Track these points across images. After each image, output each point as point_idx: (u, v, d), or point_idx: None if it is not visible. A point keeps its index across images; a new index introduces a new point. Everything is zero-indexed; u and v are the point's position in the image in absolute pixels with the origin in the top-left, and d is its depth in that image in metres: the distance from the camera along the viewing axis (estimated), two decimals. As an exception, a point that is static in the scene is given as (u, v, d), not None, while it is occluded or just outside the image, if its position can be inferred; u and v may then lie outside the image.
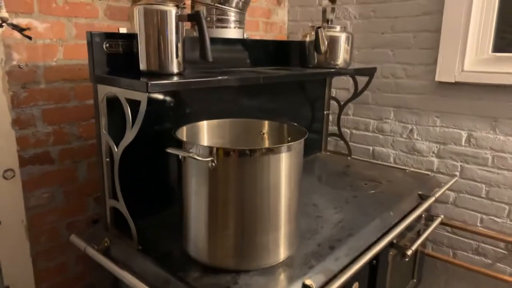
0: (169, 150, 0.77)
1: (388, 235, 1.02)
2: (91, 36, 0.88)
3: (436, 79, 1.56)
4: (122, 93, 0.83)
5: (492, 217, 1.54)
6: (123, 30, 1.31)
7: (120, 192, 0.92)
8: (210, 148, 0.76)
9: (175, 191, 1.15)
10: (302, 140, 0.82)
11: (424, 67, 1.61)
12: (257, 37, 1.83)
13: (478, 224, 1.58)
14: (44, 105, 1.18)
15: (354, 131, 1.86)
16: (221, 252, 0.83)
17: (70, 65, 1.22)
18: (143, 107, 0.79)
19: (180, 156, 0.80)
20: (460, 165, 1.59)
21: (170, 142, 0.82)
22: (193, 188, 0.81)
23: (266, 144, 1.02)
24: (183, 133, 0.92)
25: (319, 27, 1.26)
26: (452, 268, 1.68)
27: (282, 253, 0.86)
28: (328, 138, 1.77)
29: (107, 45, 0.91)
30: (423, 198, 1.29)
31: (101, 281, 0.90)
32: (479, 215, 1.58)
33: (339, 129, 1.69)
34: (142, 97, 0.78)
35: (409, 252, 1.11)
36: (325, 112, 1.72)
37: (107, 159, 0.95)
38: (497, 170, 1.50)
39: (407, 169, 1.54)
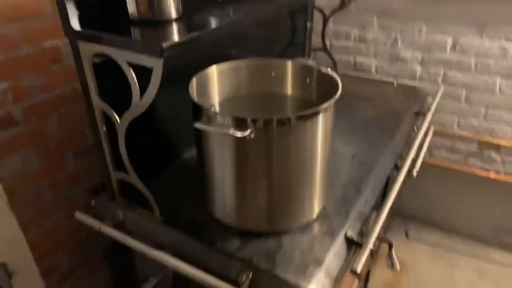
0: (198, 126, 0.65)
1: (403, 167, 1.02)
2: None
3: (427, -19, 1.45)
4: (121, 56, 0.65)
5: (469, 119, 1.63)
6: None
7: (130, 165, 0.80)
8: (246, 120, 0.64)
9: (175, 148, 1.04)
10: (339, 92, 0.73)
11: (414, -33, 1.47)
12: None
13: (455, 126, 1.67)
14: (-9, 58, 0.94)
15: (334, 42, 1.75)
16: (257, 217, 0.78)
17: (11, -2, 0.94)
18: (157, 76, 0.63)
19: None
20: (443, 73, 1.59)
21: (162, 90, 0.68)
22: (223, 158, 0.72)
23: (286, 89, 0.91)
24: (193, 87, 0.78)
25: None
26: (427, 167, 1.82)
27: (317, 207, 0.83)
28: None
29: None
30: (419, 114, 1.30)
31: (94, 237, 0.85)
32: (456, 117, 1.65)
33: (323, 43, 1.57)
34: (154, 63, 0.62)
35: (415, 172, 1.14)
36: (308, 24, 1.57)
37: (105, 128, 0.80)
38: (479, 75, 1.53)
39: (394, 83, 1.52)
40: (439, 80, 1.61)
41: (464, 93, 1.59)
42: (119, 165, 0.83)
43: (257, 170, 0.72)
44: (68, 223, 1.24)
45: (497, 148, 1.61)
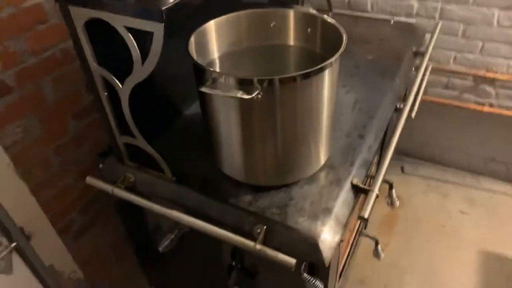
0: (204, 90, 0.64)
1: (404, 110, 1.04)
2: None
3: None
4: (118, 21, 0.62)
5: (465, 54, 1.62)
6: None
7: (136, 129, 0.80)
8: (252, 81, 0.64)
9: (177, 104, 1.04)
10: (344, 45, 0.72)
11: None
12: None
13: (451, 62, 1.66)
14: (-26, 25, 0.89)
15: (328, -22, 1.66)
16: (267, 172, 0.81)
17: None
18: (158, 41, 0.61)
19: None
20: (440, 7, 1.55)
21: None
22: (229, 118, 0.72)
23: (288, 39, 0.89)
24: (192, 46, 0.76)
25: None
26: (422, 104, 1.84)
27: (323, 158, 0.86)
28: (304, -8, 1.58)
29: None
30: (417, 54, 1.29)
31: (104, 194, 0.88)
32: (452, 53, 1.64)
33: (317, -19, 1.49)
34: (155, 28, 0.60)
35: (414, 113, 1.16)
36: (300, -38, 1.48)
37: (106, 93, 0.78)
38: (477, 7, 1.49)
39: (391, 20, 1.48)
40: (436, 15, 1.57)
41: (461, 27, 1.56)
42: (124, 128, 0.83)
43: (264, 128, 0.72)
44: (77, 184, 1.26)
45: (492, 81, 1.62)
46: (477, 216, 1.73)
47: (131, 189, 0.89)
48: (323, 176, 0.85)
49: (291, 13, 0.87)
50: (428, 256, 1.61)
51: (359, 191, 0.84)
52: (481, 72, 1.62)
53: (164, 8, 0.57)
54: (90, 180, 0.90)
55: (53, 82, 1.11)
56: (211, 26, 0.80)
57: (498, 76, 1.59)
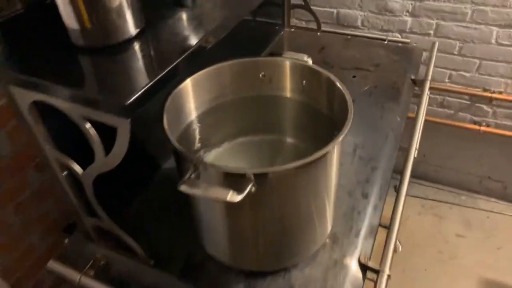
0: (185, 190, 0.51)
1: (410, 156, 0.94)
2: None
3: None
4: (73, 110, 0.49)
5: (462, 72, 1.53)
6: None
7: (103, 213, 0.67)
8: (245, 175, 0.51)
9: (150, 164, 0.90)
10: (351, 119, 0.60)
11: None
12: None
13: (446, 80, 1.57)
14: None
15: (314, -7, 1.54)
16: (261, 257, 0.69)
17: None
18: (124, 136, 0.48)
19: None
20: (436, 23, 1.45)
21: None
22: (216, 213, 0.60)
23: (280, 90, 0.76)
24: (167, 111, 0.62)
25: None
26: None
27: (326, 232, 0.74)
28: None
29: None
30: (417, 83, 1.19)
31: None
32: (448, 71, 1.55)
33: (304, -1, 1.37)
34: (119, 123, 0.46)
35: (416, 152, 1.06)
36: (285, -21, 1.35)
37: (65, 173, 0.65)
38: (475, 25, 1.40)
39: (384, 39, 1.37)
40: (431, 32, 1.47)
41: (457, 45, 1.46)
42: (90, 209, 0.69)
43: (258, 219, 0.60)
44: (42, 243, 1.12)
45: (489, 100, 1.54)
46: (474, 239, 1.67)
47: (103, 275, 0.76)
48: (327, 254, 0.74)
49: (282, 63, 0.74)
50: (426, 286, 1.53)
51: (368, 270, 0.73)
52: (478, 91, 1.54)
53: (129, 102, 0.43)
54: (52, 265, 0.76)
55: (7, 135, 0.96)
56: (187, 85, 0.67)
57: (496, 95, 1.51)
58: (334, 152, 0.58)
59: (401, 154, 0.97)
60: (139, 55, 0.57)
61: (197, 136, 0.71)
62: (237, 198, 0.50)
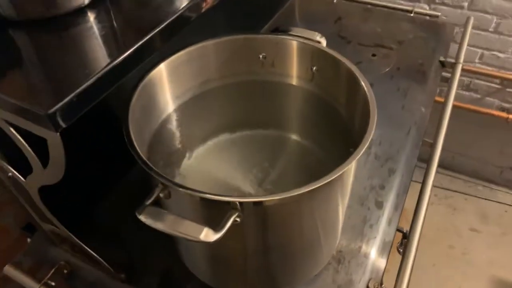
0: (144, 220, 0.38)
1: (434, 159, 0.79)
2: None
3: None
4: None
5: (495, 53, 1.34)
6: None
7: (57, 221, 0.55)
8: (229, 204, 0.38)
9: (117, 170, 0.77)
10: (372, 132, 0.45)
11: None
12: None
13: (476, 61, 1.39)
14: None
15: (333, -47, 1.33)
16: (253, 282, 0.57)
17: None
18: (56, 150, 0.34)
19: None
20: (472, -7, 1.25)
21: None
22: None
23: (285, 77, 0.62)
24: (135, 108, 0.48)
25: None
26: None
27: (331, 251, 0.62)
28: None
29: None
30: (446, 66, 1.02)
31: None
32: (479, 50, 1.36)
33: (321, -40, 1.17)
34: (47, 135, 0.33)
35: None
36: None
37: (10, 174, 0.52)
38: (518, -3, 1.20)
39: (411, 11, 1.18)
40: (465, 4, 1.27)
41: (494, 20, 1.27)
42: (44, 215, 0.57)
43: (246, 248, 0.48)
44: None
45: (523, 85, 1.37)
46: (490, 234, 1.55)
47: (66, 286, 0.65)
48: (329, 278, 0.62)
49: (288, 43, 0.59)
50: (434, 284, 1.43)
51: (377, 299, 0.62)
52: (511, 75, 1.36)
53: (52, 111, 0.30)
54: (8, 271, 0.66)
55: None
56: (161, 71, 0.52)
57: (532, 80, 1.34)
58: (352, 171, 0.44)
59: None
60: (94, 30, 0.43)
61: (177, 134, 0.57)
62: (214, 237, 0.37)
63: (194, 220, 0.41)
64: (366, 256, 0.65)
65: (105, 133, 0.57)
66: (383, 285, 0.63)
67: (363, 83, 0.49)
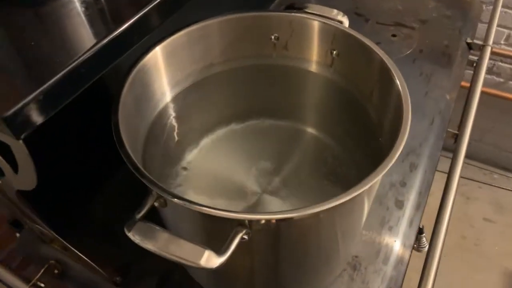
0: (132, 239, 0.32)
1: (459, 155, 0.72)
2: None
3: None
4: None
5: (523, 33, 1.25)
6: None
7: (44, 223, 0.49)
8: (234, 221, 0.32)
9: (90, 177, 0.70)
10: (403, 139, 0.38)
11: None
12: None
13: (502, 42, 1.29)
14: None
15: None
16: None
17: None
18: (22, 159, 0.28)
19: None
20: (502, -34, 1.14)
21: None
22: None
23: (300, 61, 0.54)
24: (126, 99, 0.41)
25: None
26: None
27: (347, 260, 0.56)
28: None
29: None
30: (473, 48, 0.93)
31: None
32: (506, 31, 1.26)
33: None
34: (10, 142, 0.26)
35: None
36: None
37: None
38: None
39: (434, -15, 1.08)
40: (496, -21, 1.16)
41: (525, -3, 1.17)
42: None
43: (253, 264, 0.42)
44: None
45: (551, 70, 1.27)
46: (504, 225, 1.49)
47: (58, 285, 0.60)
48: (345, 287, 0.56)
49: (304, 22, 0.51)
50: (444, 275, 1.38)
51: (396, 310, 0.56)
52: (539, 57, 1.26)
53: (10, 114, 0.23)
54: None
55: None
56: (157, 55, 0.45)
57: (561, 64, 1.24)
58: (377, 184, 0.37)
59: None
60: (75, 5, 0.35)
61: (176, 126, 0.51)
62: (217, 261, 0.31)
63: (194, 233, 0.35)
64: (384, 262, 0.59)
65: (95, 124, 0.50)
66: (402, 294, 0.57)
67: (397, 79, 0.41)
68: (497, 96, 1.40)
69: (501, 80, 1.38)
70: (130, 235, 0.32)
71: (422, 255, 0.71)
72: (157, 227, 0.32)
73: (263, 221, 0.33)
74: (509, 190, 1.59)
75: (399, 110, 0.38)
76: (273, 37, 0.53)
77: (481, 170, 1.65)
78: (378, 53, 0.44)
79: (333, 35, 0.50)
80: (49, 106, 0.26)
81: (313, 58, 0.54)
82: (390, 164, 0.35)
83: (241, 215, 0.32)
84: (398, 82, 0.41)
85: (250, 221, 0.32)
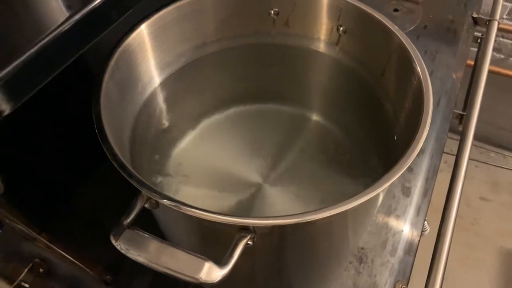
0: (119, 248, 0.28)
1: (467, 138, 0.69)
2: None
3: None
4: None
5: (526, 7, 1.20)
6: None
7: (23, 223, 0.45)
8: (238, 228, 0.28)
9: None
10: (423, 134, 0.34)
11: None
12: None
13: (504, 16, 1.25)
14: None
15: None
16: None
17: None
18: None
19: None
20: None
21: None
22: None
23: (302, 39, 0.49)
24: (109, 85, 0.36)
25: None
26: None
27: (353, 253, 0.53)
28: None
29: None
30: (479, 23, 0.89)
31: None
32: (509, 5, 1.21)
33: None
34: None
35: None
36: None
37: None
38: None
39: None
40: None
41: (531, -31, 1.11)
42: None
43: (255, 269, 0.38)
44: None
45: (554, 45, 1.24)
46: (501, 204, 1.48)
47: (44, 285, 0.56)
48: (350, 280, 0.53)
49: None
50: (441, 254, 1.38)
51: (405, 304, 0.53)
52: (542, 33, 1.22)
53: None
54: (-26, 271, 0.56)
55: None
56: (142, 35, 0.39)
57: None
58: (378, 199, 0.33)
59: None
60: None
61: (165, 113, 0.46)
62: (219, 274, 0.27)
63: (190, 237, 0.31)
64: (391, 253, 0.56)
65: (75, 114, 0.45)
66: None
67: (417, 64, 0.36)
68: (497, 73, 1.36)
69: (502, 56, 1.34)
70: (116, 245, 0.28)
71: (425, 242, 0.68)
72: (147, 235, 0.28)
73: (270, 226, 0.29)
74: (505, 168, 1.58)
75: (417, 98, 0.34)
76: (272, 12, 0.48)
77: (477, 148, 1.63)
78: (395, 31, 0.39)
79: (340, 10, 0.45)
80: (10, 98, 0.21)
81: (317, 36, 0.49)
82: (411, 160, 0.31)
83: (244, 220, 0.28)
84: (418, 68, 0.37)
85: (257, 227, 0.28)
